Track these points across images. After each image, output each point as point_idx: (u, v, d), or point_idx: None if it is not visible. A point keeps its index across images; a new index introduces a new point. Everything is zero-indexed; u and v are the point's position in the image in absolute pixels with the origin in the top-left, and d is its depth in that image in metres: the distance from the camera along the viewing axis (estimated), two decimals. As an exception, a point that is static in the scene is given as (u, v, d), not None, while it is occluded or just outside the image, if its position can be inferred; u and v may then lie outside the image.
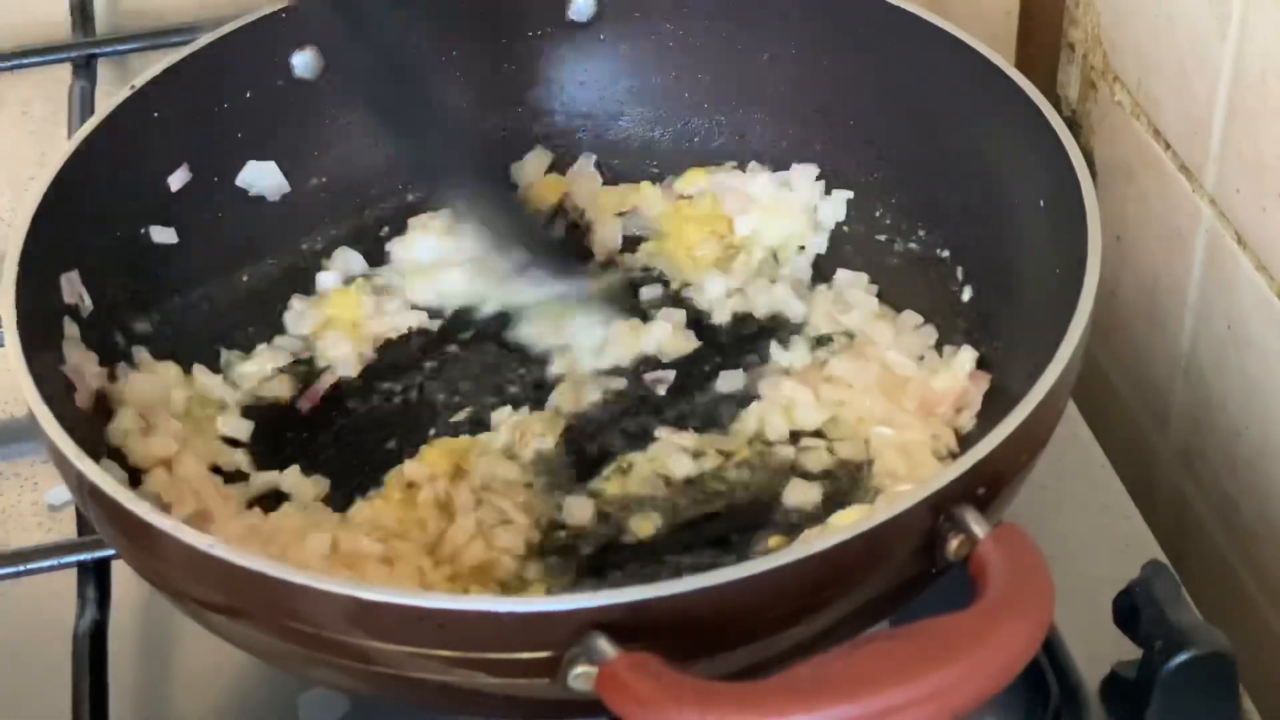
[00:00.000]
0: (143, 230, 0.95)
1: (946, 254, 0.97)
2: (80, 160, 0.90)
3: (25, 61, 1.19)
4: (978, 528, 0.71)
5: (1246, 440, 0.99)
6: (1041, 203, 0.89)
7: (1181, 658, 0.78)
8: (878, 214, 1.00)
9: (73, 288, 0.89)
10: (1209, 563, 1.04)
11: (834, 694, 0.64)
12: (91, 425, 0.86)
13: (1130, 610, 0.82)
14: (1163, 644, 0.79)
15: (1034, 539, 0.71)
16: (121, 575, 0.86)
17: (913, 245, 0.99)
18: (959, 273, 0.96)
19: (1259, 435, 0.98)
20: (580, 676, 0.68)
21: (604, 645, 0.67)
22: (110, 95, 0.95)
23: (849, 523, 0.81)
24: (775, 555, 0.70)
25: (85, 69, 1.16)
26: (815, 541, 0.70)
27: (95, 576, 0.89)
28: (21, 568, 0.89)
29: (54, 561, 0.89)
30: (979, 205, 0.95)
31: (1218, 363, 1.01)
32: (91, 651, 0.86)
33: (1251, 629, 1.00)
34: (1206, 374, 1.03)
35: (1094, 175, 1.13)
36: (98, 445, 0.85)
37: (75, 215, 0.89)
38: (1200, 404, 1.04)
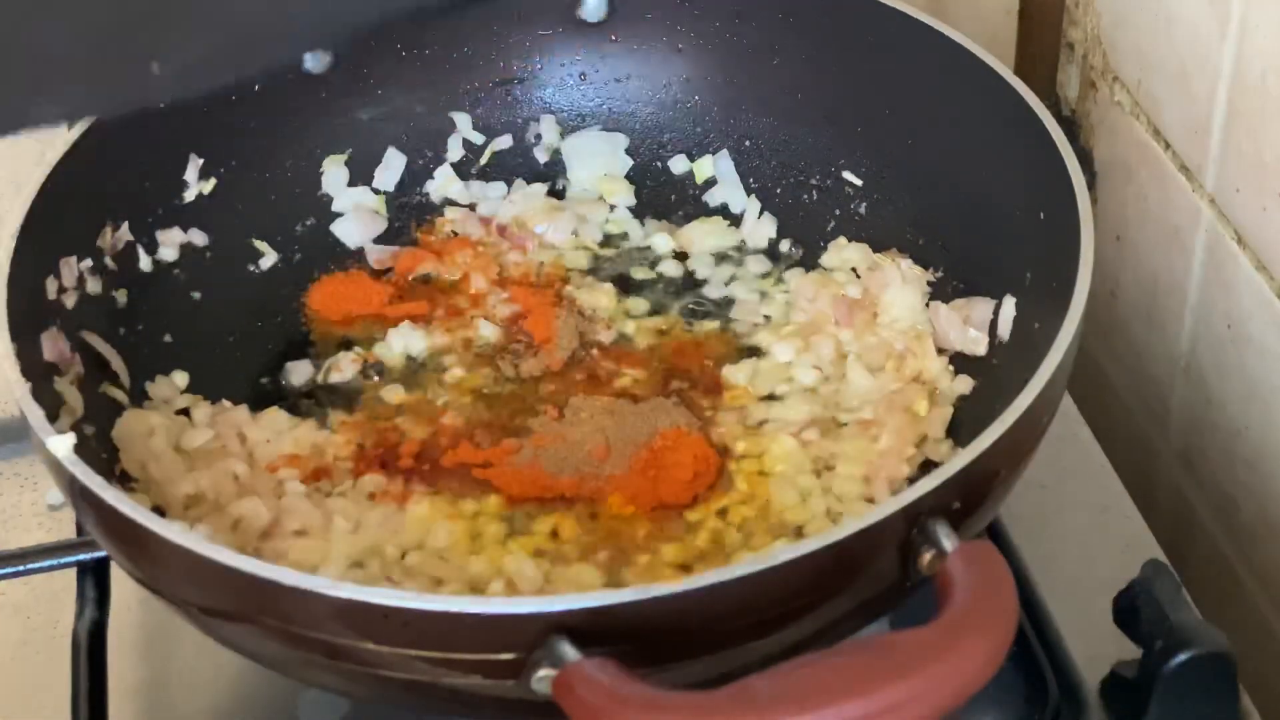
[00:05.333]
0: (145, 223, 0.95)
1: (942, 262, 0.97)
2: (80, 151, 0.89)
3: (25, 60, 1.18)
4: (947, 542, 0.71)
5: (1246, 440, 0.99)
6: (1042, 215, 0.88)
7: (1181, 658, 0.78)
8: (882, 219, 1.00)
9: (71, 273, 0.88)
10: (1209, 563, 1.04)
11: (785, 706, 0.64)
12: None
13: (1130, 610, 0.82)
14: (1163, 644, 0.79)
15: (1003, 558, 0.70)
16: (121, 575, 0.86)
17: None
18: (955, 282, 0.96)
19: (1259, 435, 0.98)
20: (543, 679, 0.67)
21: (565, 649, 0.67)
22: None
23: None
24: (741, 565, 0.69)
25: (86, 67, 1.16)
26: (783, 551, 0.70)
27: (95, 576, 0.89)
28: (21, 568, 0.89)
29: (54, 561, 0.89)
30: (977, 214, 0.94)
31: (1218, 363, 1.01)
32: (91, 651, 0.86)
33: (1251, 629, 1.00)
34: (1206, 374, 1.03)
35: (1094, 175, 1.13)
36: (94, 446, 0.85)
37: (72, 208, 0.89)
38: (1200, 404, 1.04)
